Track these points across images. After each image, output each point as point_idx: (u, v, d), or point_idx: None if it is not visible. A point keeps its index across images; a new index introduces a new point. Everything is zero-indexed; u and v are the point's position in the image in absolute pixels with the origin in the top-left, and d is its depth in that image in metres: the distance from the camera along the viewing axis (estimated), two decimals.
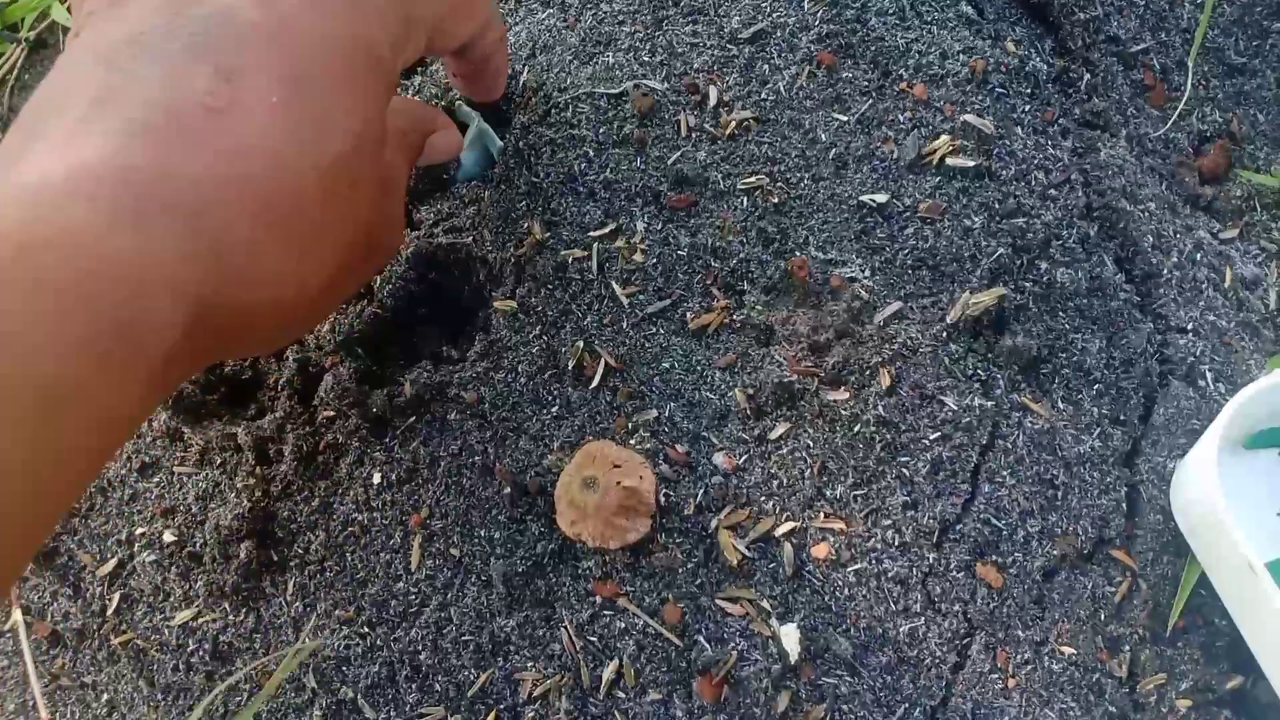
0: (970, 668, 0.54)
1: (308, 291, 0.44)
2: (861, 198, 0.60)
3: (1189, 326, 0.59)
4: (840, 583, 0.55)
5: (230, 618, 0.63)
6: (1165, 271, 0.59)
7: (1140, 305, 0.59)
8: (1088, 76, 0.65)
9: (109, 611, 0.67)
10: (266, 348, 0.52)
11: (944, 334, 0.57)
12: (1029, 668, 0.55)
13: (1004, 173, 0.59)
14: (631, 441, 0.59)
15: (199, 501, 0.66)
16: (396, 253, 0.59)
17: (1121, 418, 0.58)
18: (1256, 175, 0.65)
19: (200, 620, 0.64)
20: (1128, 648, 0.56)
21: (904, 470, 0.56)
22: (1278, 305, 0.63)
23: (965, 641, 0.55)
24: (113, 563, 0.68)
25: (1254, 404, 0.51)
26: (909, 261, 0.59)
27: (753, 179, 0.61)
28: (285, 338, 0.53)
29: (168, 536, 0.66)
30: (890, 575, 0.55)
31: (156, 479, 0.68)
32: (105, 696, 0.67)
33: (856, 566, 0.55)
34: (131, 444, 0.70)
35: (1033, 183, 0.59)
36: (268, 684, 0.56)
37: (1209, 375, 0.59)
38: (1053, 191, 0.59)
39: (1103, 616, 0.56)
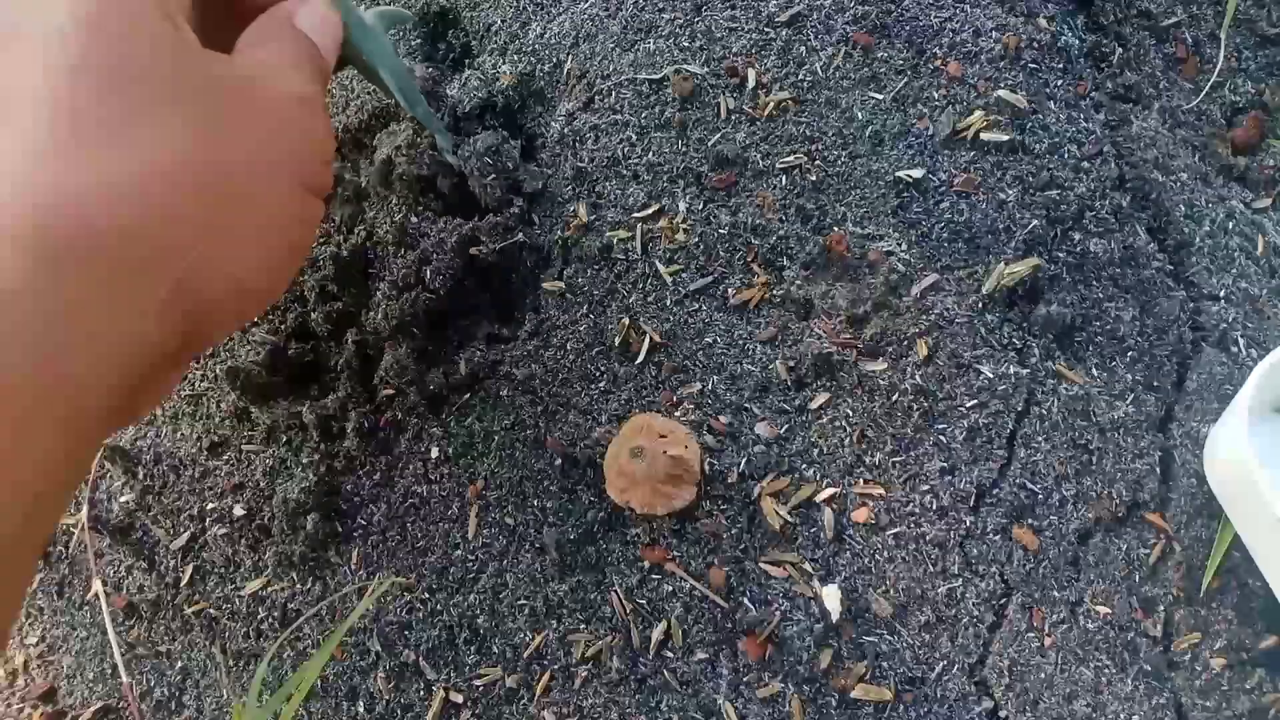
0: (1007, 627, 0.56)
1: None
2: (898, 173, 0.61)
3: (1221, 294, 0.60)
4: (880, 546, 0.57)
5: (298, 586, 0.67)
6: (1197, 240, 0.61)
7: (1173, 274, 0.61)
8: (1120, 50, 0.66)
9: (182, 583, 0.71)
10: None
11: (979, 304, 0.59)
12: (1065, 627, 0.56)
13: (1037, 146, 0.61)
14: (677, 414, 0.61)
15: (266, 477, 0.70)
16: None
17: (1155, 384, 0.59)
18: None
19: (269, 589, 0.68)
20: (1162, 608, 0.57)
21: (941, 437, 0.58)
22: None
23: (1002, 602, 0.57)
24: (185, 537, 0.71)
25: None
26: (945, 235, 0.60)
27: (791, 158, 0.63)
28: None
29: (238, 511, 0.70)
30: (928, 538, 0.57)
31: (226, 457, 0.72)
32: (179, 664, 0.71)
33: (895, 530, 0.57)
34: (202, 424, 0.74)
35: (1065, 155, 0.60)
36: (332, 636, 0.60)
37: (1241, 341, 0.60)
38: (1085, 164, 0.60)
39: (1137, 578, 0.57)
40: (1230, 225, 0.62)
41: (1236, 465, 0.54)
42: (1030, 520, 0.57)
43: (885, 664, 0.55)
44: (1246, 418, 0.52)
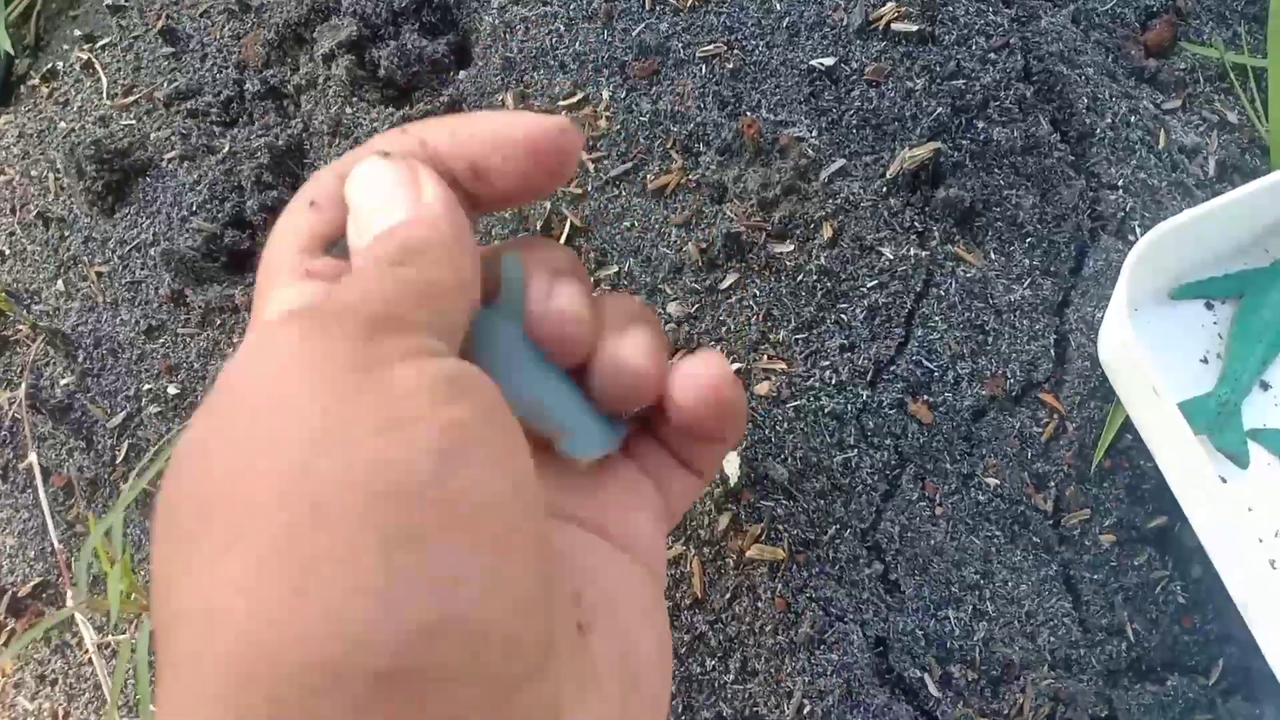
0: (900, 496, 0.59)
1: None
2: (811, 62, 0.63)
3: (1120, 184, 0.62)
4: (780, 417, 0.59)
5: None
6: (1099, 132, 0.62)
7: (1074, 164, 0.62)
8: None
9: (118, 460, 0.73)
10: None
11: (884, 189, 0.61)
12: (956, 498, 0.59)
13: (946, 37, 0.62)
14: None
15: (200, 359, 0.71)
16: None
17: (1052, 269, 0.61)
18: (1200, 48, 0.68)
19: None
20: (1053, 484, 0.60)
21: (842, 316, 0.60)
22: (1217, 173, 0.66)
23: (896, 472, 0.59)
24: (121, 416, 0.73)
25: (1158, 251, 0.54)
26: (853, 121, 0.62)
27: (711, 47, 0.65)
28: None
29: (171, 390, 0.71)
30: (827, 411, 0.59)
31: (161, 340, 0.74)
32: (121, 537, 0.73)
33: (796, 403, 0.59)
34: (140, 309, 0.75)
35: (973, 47, 0.62)
36: None
37: (1139, 230, 0.62)
38: (992, 55, 0.62)
39: (1029, 454, 0.60)
40: (1133, 119, 0.63)
41: (1122, 350, 0.56)
42: (926, 396, 0.59)
43: (780, 527, 0.58)
44: (1126, 306, 0.54)
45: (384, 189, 0.31)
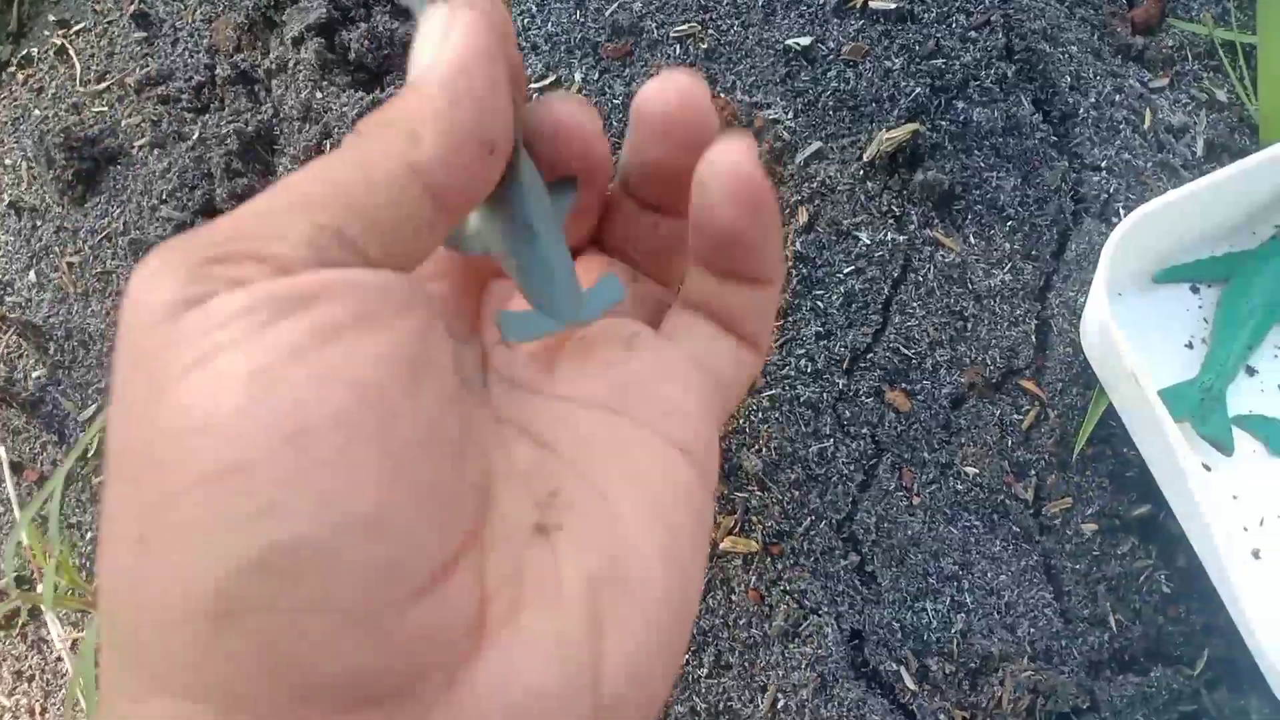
0: (877, 486, 0.57)
1: None
2: (787, 41, 0.62)
3: (1104, 165, 0.61)
4: (754, 407, 0.58)
5: None
6: (1082, 112, 0.61)
7: (1056, 145, 0.61)
8: None
9: (90, 454, 0.72)
10: None
11: (861, 172, 0.59)
12: (934, 487, 0.58)
13: (925, 15, 0.61)
14: None
15: None
16: None
17: (1034, 253, 0.60)
18: (1189, 24, 0.66)
19: None
20: (1034, 473, 0.58)
21: (819, 303, 0.59)
22: (1205, 153, 0.64)
23: (873, 462, 0.58)
24: (93, 408, 0.72)
25: (1141, 233, 0.53)
26: (830, 103, 0.61)
27: (685, 27, 0.63)
28: None
29: None
30: (802, 400, 0.58)
31: None
32: (90, 535, 0.72)
33: (771, 392, 0.58)
34: (111, 300, 0.74)
35: (953, 25, 0.61)
36: None
37: (1123, 212, 0.60)
38: (973, 33, 0.60)
39: (1010, 443, 0.59)
40: (1117, 98, 0.62)
41: (1103, 336, 0.55)
42: (904, 384, 0.58)
43: (754, 518, 0.57)
44: (1106, 290, 0.53)
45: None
